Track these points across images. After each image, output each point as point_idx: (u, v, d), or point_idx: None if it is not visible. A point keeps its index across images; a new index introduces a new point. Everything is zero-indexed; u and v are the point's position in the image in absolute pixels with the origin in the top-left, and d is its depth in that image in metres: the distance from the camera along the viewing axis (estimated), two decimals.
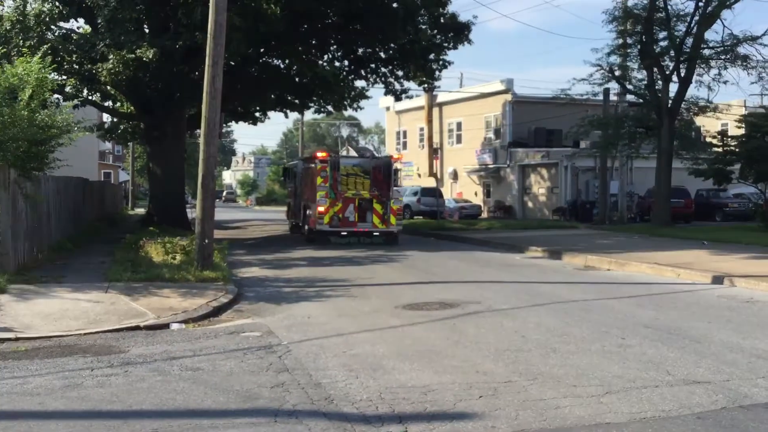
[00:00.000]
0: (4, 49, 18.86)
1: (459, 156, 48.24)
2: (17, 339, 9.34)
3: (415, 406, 6.51)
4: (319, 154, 24.96)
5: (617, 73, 31.81)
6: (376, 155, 31.47)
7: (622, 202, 35.08)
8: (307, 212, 25.11)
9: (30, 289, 12.49)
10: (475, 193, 46.73)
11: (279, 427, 5.97)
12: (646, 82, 31.36)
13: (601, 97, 33.20)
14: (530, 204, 43.10)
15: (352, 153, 54.78)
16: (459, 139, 48.80)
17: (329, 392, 6.93)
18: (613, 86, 33.33)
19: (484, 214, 43.69)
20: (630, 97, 34.19)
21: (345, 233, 24.05)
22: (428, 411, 6.37)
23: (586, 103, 33.90)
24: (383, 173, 24.46)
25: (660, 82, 30.71)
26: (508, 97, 43.90)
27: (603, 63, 31.44)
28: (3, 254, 13.50)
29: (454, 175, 48.55)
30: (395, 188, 24.55)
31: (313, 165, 24.89)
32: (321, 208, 23.43)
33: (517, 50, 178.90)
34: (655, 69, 30.63)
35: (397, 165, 25.83)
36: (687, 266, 16.44)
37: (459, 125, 48.72)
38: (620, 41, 31.86)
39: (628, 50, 31.93)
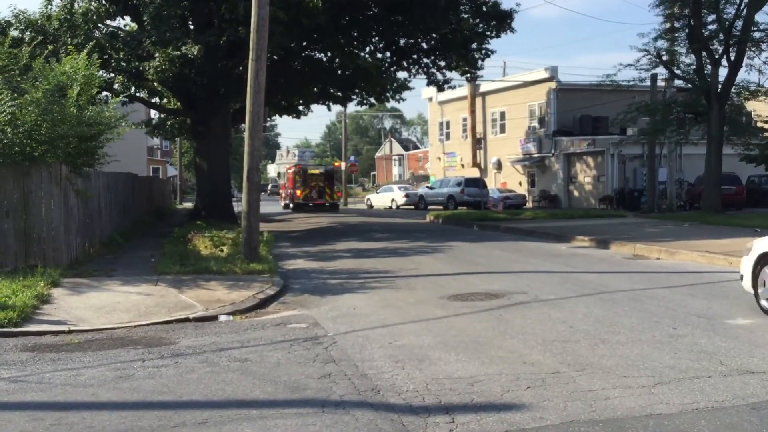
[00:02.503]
0: (53, 47, 19.28)
1: (503, 145, 47.85)
2: (70, 332, 9.57)
3: (461, 396, 6.49)
4: (295, 166, 46.91)
5: (665, 58, 31.17)
6: (327, 167, 49.73)
7: (671, 189, 34.40)
8: (292, 194, 43.97)
9: (82, 283, 12.78)
10: (520, 183, 46.32)
11: (326, 417, 6.00)
12: (694, 67, 30.68)
13: (648, 82, 32.59)
14: (576, 193, 42.55)
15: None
16: (502, 129, 48.38)
17: (375, 383, 6.94)
18: (661, 71, 32.70)
19: (529, 204, 43.30)
20: (678, 83, 33.50)
21: (311, 204, 42.98)
22: (475, 402, 6.34)
23: (633, 89, 33.29)
24: (329, 174, 44.94)
25: (709, 67, 30.01)
26: (553, 84, 43.35)
27: (650, 48, 30.88)
28: (56, 249, 13.84)
29: (498, 165, 48.19)
30: (335, 182, 46.20)
31: (293, 170, 45.30)
32: (298, 192, 43.22)
33: (561, 37, 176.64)
34: (704, 53, 29.92)
35: (332, 172, 46.34)
36: (739, 254, 16.02)
37: (502, 114, 48.30)
38: (668, 25, 31.20)
39: (676, 34, 31.26)
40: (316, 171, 45.05)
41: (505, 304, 11.06)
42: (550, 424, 5.78)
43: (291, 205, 43.89)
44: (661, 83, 33.94)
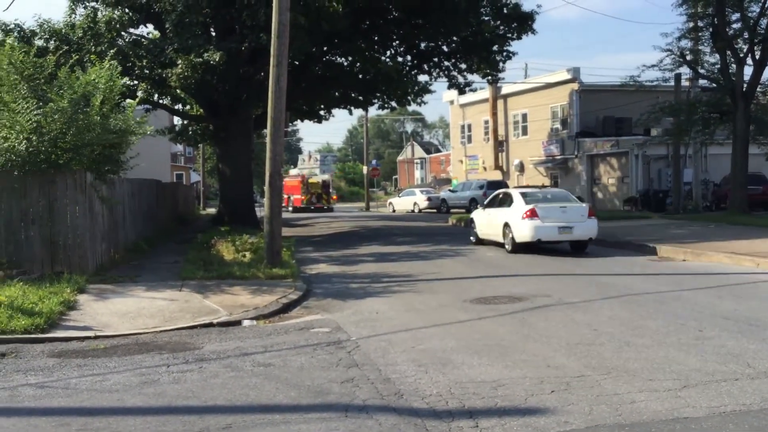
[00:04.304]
0: (77, 56, 19.51)
1: (525, 148, 47.62)
2: (96, 337, 9.66)
3: (485, 401, 6.45)
4: (300, 176, 57.01)
5: (689, 57, 30.84)
6: (325, 177, 63.49)
7: (697, 190, 33.96)
8: (294, 199, 51.10)
9: (108, 289, 12.90)
10: (543, 185, 46.04)
11: (350, 421, 6.00)
12: (719, 66, 30.30)
13: (672, 82, 32.25)
14: (600, 195, 42.22)
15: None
16: (525, 131, 48.15)
17: (399, 387, 6.93)
18: (685, 71, 32.36)
19: None
20: (702, 82, 33.13)
21: (312, 207, 50.67)
22: (499, 406, 6.30)
23: (657, 89, 32.94)
24: (325, 184, 54.76)
25: (734, 66, 29.63)
26: (575, 86, 43.07)
27: (673, 48, 30.56)
28: (81, 255, 13.99)
29: (521, 168, 47.96)
30: (331, 190, 55.56)
31: (298, 179, 53.83)
32: (301, 197, 51.08)
33: (583, 38, 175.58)
34: (729, 52, 29.56)
35: (329, 182, 57.61)
36: (767, 255, 15.82)
37: (524, 117, 48.07)
38: (691, 24, 30.87)
39: (700, 34, 30.92)
40: (316, 180, 55.60)
41: (528, 307, 11.00)
42: (575, 428, 5.73)
43: (290, 208, 50.06)
44: (685, 83, 33.57)
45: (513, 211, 19.05)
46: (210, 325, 10.40)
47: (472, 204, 40.75)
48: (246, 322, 10.65)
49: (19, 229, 13.79)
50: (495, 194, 21.99)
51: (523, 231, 18.43)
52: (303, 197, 50.91)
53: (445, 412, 6.17)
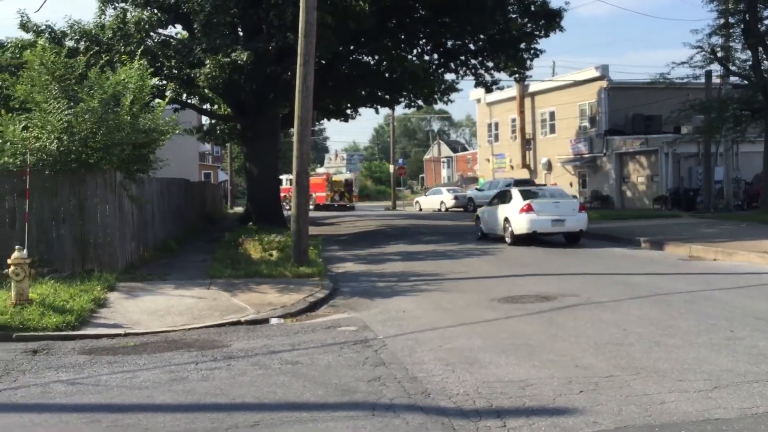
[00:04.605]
0: (107, 57, 19.74)
1: (552, 146, 47.28)
2: (126, 335, 9.78)
3: (513, 400, 6.42)
4: (325, 174, 58.91)
5: (719, 54, 30.41)
6: (348, 176, 62.02)
7: (728, 188, 33.46)
8: (317, 197, 50.42)
9: (137, 287, 13.04)
10: (570, 184, 45.67)
11: (377, 420, 6.00)
12: (750, 63, 29.83)
13: (702, 80, 31.80)
14: (629, 193, 41.78)
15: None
16: (552, 129, 47.81)
17: (426, 386, 6.92)
18: (716, 68, 31.93)
19: None
20: (734, 79, 32.60)
21: (336, 205, 51.59)
22: (527, 406, 6.26)
23: (687, 86, 32.51)
24: (348, 182, 55.36)
25: (765, 62, 29.15)
26: (604, 83, 42.64)
27: (704, 44, 30.16)
28: (111, 254, 14.16)
29: (548, 166, 47.63)
30: (354, 188, 56.76)
31: (322, 177, 54.89)
32: (326, 195, 52.30)
33: (611, 35, 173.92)
34: (760, 48, 29.09)
35: (351, 180, 57.52)
36: None
37: (552, 115, 47.72)
38: (722, 21, 30.43)
39: (731, 30, 30.47)
40: (339, 179, 56.73)
41: (556, 307, 10.92)
42: (604, 429, 5.68)
43: (311, 206, 53.30)
44: (716, 80, 33.09)
45: (512, 206, 21.06)
46: (238, 323, 10.48)
47: None
48: (273, 321, 10.71)
49: (50, 227, 13.99)
50: (497, 193, 24.56)
51: (521, 224, 20.46)
52: (327, 195, 52.35)
53: (472, 412, 6.14)
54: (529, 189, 23.44)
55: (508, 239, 20.92)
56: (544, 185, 25.28)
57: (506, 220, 21.11)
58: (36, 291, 11.22)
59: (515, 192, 21.91)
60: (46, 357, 8.59)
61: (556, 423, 5.81)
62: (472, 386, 6.86)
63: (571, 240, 21.00)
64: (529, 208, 20.38)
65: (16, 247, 11.04)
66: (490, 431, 5.69)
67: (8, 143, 13.61)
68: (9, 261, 10.66)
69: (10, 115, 14.16)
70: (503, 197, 22.31)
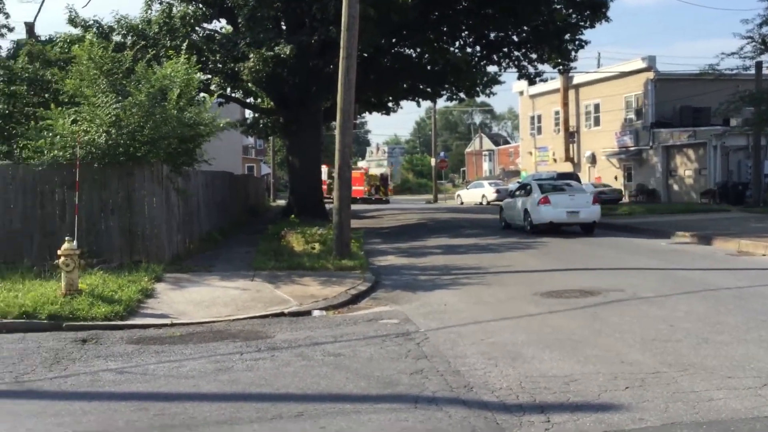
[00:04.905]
0: (153, 51, 20.03)
1: (597, 139, 46.64)
2: (173, 325, 9.95)
3: (557, 396, 6.36)
4: (362, 169, 60.28)
5: None
6: (383, 170, 67.10)
7: None
8: (355, 191, 48.65)
9: (183, 278, 13.25)
10: (615, 177, 45.04)
11: (419, 413, 6.01)
12: None
13: (752, 71, 31.05)
14: (675, 187, 41.03)
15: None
16: (597, 122, 47.15)
17: (468, 380, 6.90)
18: (766, 59, 31.06)
19: (625, 199, 42.03)
20: None
21: (373, 198, 53.86)
22: (571, 401, 6.21)
23: (737, 78, 31.81)
24: (383, 177, 58.60)
25: None
26: (650, 75, 41.89)
27: (754, 34, 29.47)
28: (158, 245, 14.40)
29: (592, 159, 47.01)
30: (389, 182, 60.38)
31: (360, 171, 55.58)
32: (363, 188, 53.19)
33: (658, 25, 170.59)
34: None
35: (386, 175, 61.76)
36: None
37: (597, 107, 47.06)
38: None
39: None
40: (374, 173, 60.29)
41: (601, 302, 10.79)
42: (650, 425, 5.60)
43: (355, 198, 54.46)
44: (766, 71, 32.25)
45: (531, 199, 22.92)
46: (281, 314, 10.58)
47: None
48: (316, 313, 10.79)
49: (99, 219, 14.28)
50: (518, 186, 27.46)
51: (538, 215, 22.26)
52: (365, 189, 53.93)
53: (515, 406, 6.11)
54: (547, 183, 25.47)
55: (527, 228, 22.67)
56: (561, 182, 26.10)
57: (526, 211, 22.96)
58: (85, 281, 11.47)
59: (534, 185, 23.68)
60: (95, 346, 8.78)
61: (601, 419, 5.75)
62: (515, 380, 6.82)
63: (586, 230, 22.46)
64: (546, 201, 22.20)
65: (66, 238, 11.30)
66: (534, 426, 5.66)
67: (58, 136, 13.90)
68: (59, 252, 10.92)
69: (60, 108, 14.46)
70: (524, 191, 24.28)
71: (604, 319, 9.50)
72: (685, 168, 40.42)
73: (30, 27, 23.78)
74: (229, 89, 30.29)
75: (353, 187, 55.34)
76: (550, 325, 9.28)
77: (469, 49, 30.31)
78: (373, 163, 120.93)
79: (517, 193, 25.15)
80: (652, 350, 7.81)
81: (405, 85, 31.90)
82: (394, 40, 27.93)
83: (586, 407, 6.03)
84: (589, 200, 22.65)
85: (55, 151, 13.90)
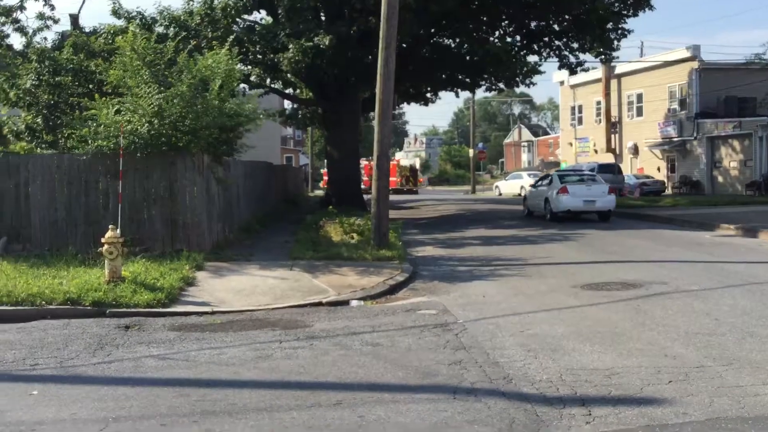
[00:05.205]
0: (195, 42, 20.21)
1: (639, 129, 45.89)
2: (213, 312, 10.07)
3: (598, 389, 6.28)
4: (395, 160, 60.02)
5: None
6: (412, 162, 69.03)
7: None
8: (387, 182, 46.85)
9: (223, 267, 13.38)
10: (658, 169, 44.30)
11: (458, 404, 5.99)
12: None
13: None
14: (720, 179, 40.21)
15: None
16: (639, 112, 46.38)
17: (507, 371, 6.85)
18: None
19: (668, 191, 41.35)
20: None
21: (405, 189, 54.48)
22: (613, 395, 6.12)
23: None
24: (413, 168, 60.51)
25: None
26: (695, 64, 41.04)
27: None
28: (199, 234, 14.57)
29: (634, 150, 46.28)
30: (419, 174, 64.07)
31: (393, 163, 50.97)
32: (394, 179, 50.11)
33: (703, 14, 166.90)
34: None
35: (416, 166, 64.93)
36: None
37: (639, 97, 46.28)
38: None
39: None
40: (405, 165, 60.98)
41: (643, 295, 10.62)
42: (694, 420, 5.50)
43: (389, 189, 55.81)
44: None
45: (551, 189, 24.72)
46: (319, 304, 10.63)
47: None
48: (354, 303, 10.82)
49: (142, 208, 14.49)
50: (540, 177, 30.60)
51: (558, 203, 23.99)
52: (397, 180, 54.79)
53: (555, 399, 6.05)
54: (566, 174, 27.59)
55: (547, 216, 24.42)
56: (580, 174, 27.66)
57: (546, 200, 24.74)
58: (128, 269, 11.66)
59: (555, 177, 25.77)
60: (138, 332, 8.92)
61: (643, 413, 5.67)
62: (555, 373, 6.76)
63: (603, 218, 24.10)
64: (564, 191, 23.94)
65: (110, 226, 11.49)
66: (575, 419, 5.59)
67: (102, 126, 14.13)
68: (103, 240, 11.12)
69: (104, 99, 14.69)
70: (545, 181, 26.39)
71: (646, 312, 9.36)
72: (730, 159, 39.58)
73: (75, 18, 24.15)
74: (268, 80, 30.46)
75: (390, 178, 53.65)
76: (591, 318, 9.17)
77: (509, 39, 29.99)
78: (411, 154, 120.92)
79: (540, 183, 27.21)
80: (696, 344, 7.67)
81: (444, 76, 31.68)
82: (433, 30, 27.76)
83: (628, 401, 5.95)
84: (605, 190, 24.20)
85: (99, 141, 14.13)
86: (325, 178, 52.41)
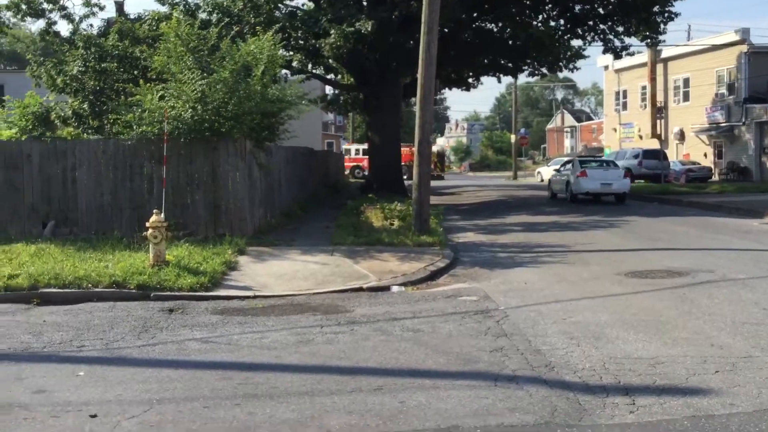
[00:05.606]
0: (238, 28, 20.31)
1: (685, 115, 44.91)
2: (255, 297, 10.16)
3: (642, 378, 6.19)
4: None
5: None
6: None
7: None
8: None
9: (265, 251, 13.49)
10: (705, 155, 43.35)
11: (499, 391, 5.95)
12: None
13: None
14: None
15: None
16: (686, 97, 45.37)
17: (549, 359, 6.79)
18: None
19: (715, 177, 40.44)
20: None
21: (435, 175, 45.48)
22: (657, 384, 6.02)
23: None
24: (440, 153, 59.93)
25: None
26: (744, 48, 39.92)
27: None
28: (241, 219, 14.70)
29: (680, 136, 45.34)
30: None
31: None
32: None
33: None
34: None
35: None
36: None
37: (686, 81, 45.26)
38: None
39: None
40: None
41: (689, 283, 10.42)
42: (741, 411, 5.38)
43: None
44: None
45: (572, 172, 27.13)
46: (360, 289, 10.65)
47: (626, 174, 39.20)
48: (394, 288, 10.82)
49: (185, 193, 14.66)
50: (563, 163, 34.34)
51: (577, 186, 26.38)
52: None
53: (598, 387, 5.97)
54: (586, 159, 30.62)
55: (567, 197, 26.97)
56: (598, 160, 31.14)
57: (567, 183, 27.19)
58: (172, 253, 11.82)
59: (576, 162, 28.22)
60: (182, 316, 9.05)
61: (689, 403, 5.56)
62: (598, 361, 6.67)
63: (619, 199, 26.31)
64: (583, 174, 26.16)
65: (154, 211, 11.66)
66: (618, 408, 5.52)
67: (147, 112, 14.30)
68: (148, 224, 11.29)
69: (149, 85, 14.86)
70: (567, 166, 29.12)
71: (692, 301, 9.18)
72: None
73: (120, 5, 24.43)
74: (310, 65, 30.50)
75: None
76: (635, 306, 9.03)
77: (552, 23, 29.53)
78: (452, 140, 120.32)
79: (562, 169, 30.09)
80: (744, 334, 7.50)
81: (486, 61, 31.37)
82: (475, 14, 27.50)
83: (673, 390, 5.85)
84: (621, 174, 26.51)
85: (144, 126, 14.32)
86: (347, 164, 52.90)
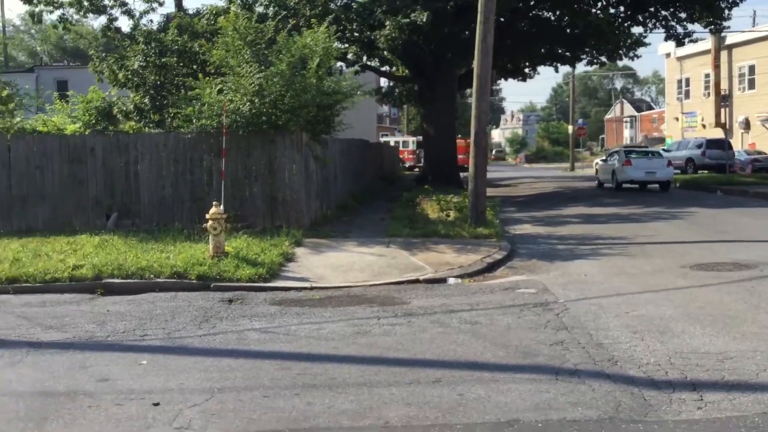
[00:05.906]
0: (294, 21, 20.42)
1: (751, 103, 43.49)
2: (312, 288, 10.21)
3: (710, 373, 5.99)
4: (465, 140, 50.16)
5: None
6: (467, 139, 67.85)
7: None
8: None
9: (321, 243, 13.55)
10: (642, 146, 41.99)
11: (560, 385, 5.84)
12: None
13: None
14: None
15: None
16: (751, 84, 43.94)
17: (612, 353, 6.63)
18: None
19: None
20: None
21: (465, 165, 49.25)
22: (726, 380, 5.82)
23: None
24: (468, 144, 57.58)
25: None
26: None
27: None
28: (298, 211, 14.80)
29: (746, 125, 43.94)
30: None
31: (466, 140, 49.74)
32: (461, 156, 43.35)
33: None
34: None
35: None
36: None
37: (752, 69, 43.82)
38: None
39: None
40: (462, 142, 60.76)
41: (757, 276, 10.07)
42: None
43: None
44: None
45: (618, 162, 28.56)
46: (416, 281, 10.60)
47: (688, 165, 38.22)
48: (451, 280, 10.74)
49: (244, 185, 14.83)
50: (609, 152, 36.30)
51: (623, 174, 27.71)
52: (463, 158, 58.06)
53: (664, 383, 5.81)
54: (631, 149, 32.65)
55: (613, 186, 28.43)
56: (644, 150, 32.83)
57: (613, 172, 28.57)
58: (231, 244, 11.97)
59: (621, 151, 29.95)
60: (241, 306, 9.15)
61: (760, 399, 5.36)
62: (663, 356, 6.49)
63: (663, 187, 27.39)
64: (629, 163, 27.42)
65: (214, 203, 11.81)
66: (686, 404, 5.35)
67: (206, 105, 14.50)
68: (207, 216, 11.45)
69: (207, 78, 15.06)
70: (613, 156, 30.60)
71: (761, 294, 8.87)
72: None
73: (179, 1, 24.87)
74: (365, 57, 30.53)
75: (459, 156, 54.32)
76: (701, 299, 8.76)
77: (612, 10, 28.90)
78: (508, 131, 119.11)
79: (608, 158, 31.73)
80: None
81: (543, 50, 30.92)
82: (532, 3, 27.11)
83: (742, 386, 5.65)
84: (664, 163, 27.75)
85: (203, 120, 14.51)
86: (406, 157, 52.50)
